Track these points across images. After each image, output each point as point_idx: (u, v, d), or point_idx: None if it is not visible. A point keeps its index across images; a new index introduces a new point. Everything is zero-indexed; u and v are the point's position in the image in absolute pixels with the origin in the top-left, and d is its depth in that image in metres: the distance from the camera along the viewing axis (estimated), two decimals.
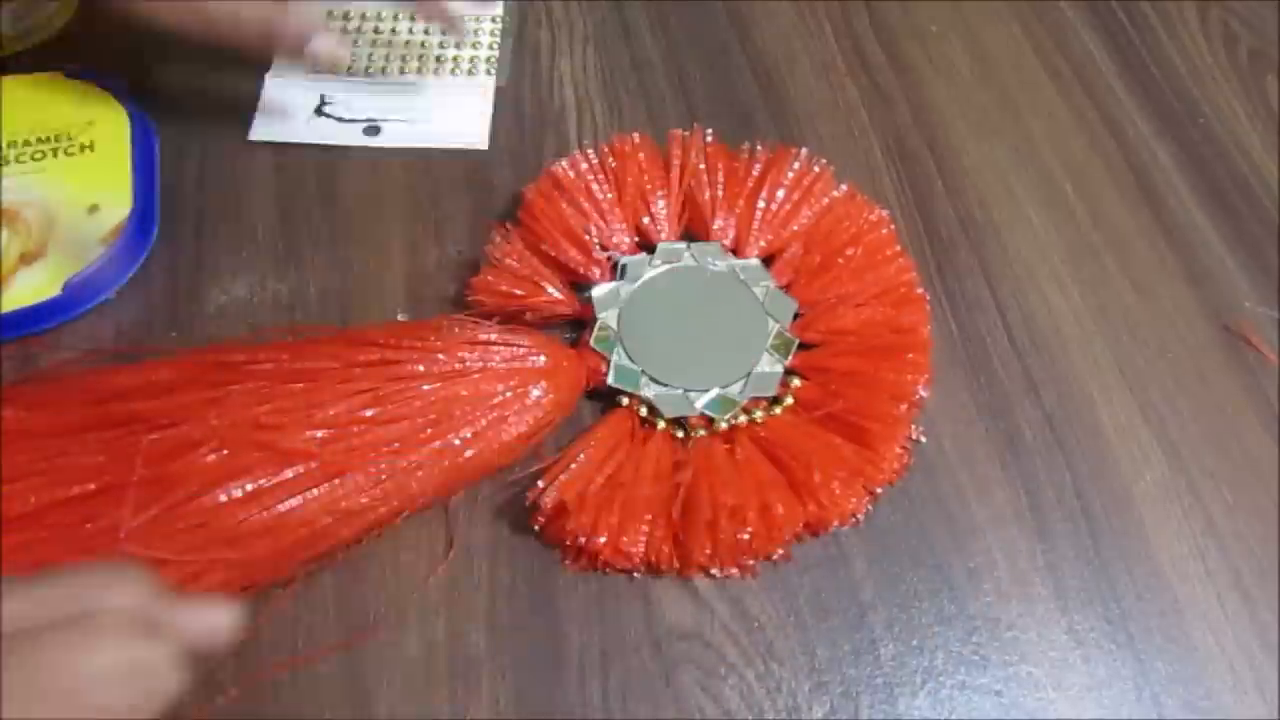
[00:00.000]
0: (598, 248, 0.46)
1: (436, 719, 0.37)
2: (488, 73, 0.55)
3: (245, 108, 0.54)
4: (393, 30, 0.56)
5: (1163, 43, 0.60)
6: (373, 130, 0.52)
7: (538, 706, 0.37)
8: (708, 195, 0.48)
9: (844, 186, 0.49)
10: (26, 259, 0.46)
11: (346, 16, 0.56)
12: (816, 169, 0.49)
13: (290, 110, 0.53)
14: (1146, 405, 0.46)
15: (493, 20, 0.57)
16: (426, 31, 0.57)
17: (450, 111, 0.54)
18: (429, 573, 0.40)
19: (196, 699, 0.37)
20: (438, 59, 0.56)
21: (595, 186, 0.47)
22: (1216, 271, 0.50)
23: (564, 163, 0.47)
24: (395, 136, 0.53)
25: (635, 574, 0.40)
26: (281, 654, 0.38)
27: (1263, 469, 0.44)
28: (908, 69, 0.57)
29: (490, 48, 0.57)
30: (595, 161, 0.48)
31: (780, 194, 0.48)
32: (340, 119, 0.53)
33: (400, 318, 0.46)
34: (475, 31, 0.57)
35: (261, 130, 0.52)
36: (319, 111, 0.53)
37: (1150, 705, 0.39)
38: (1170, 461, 0.44)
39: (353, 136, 0.52)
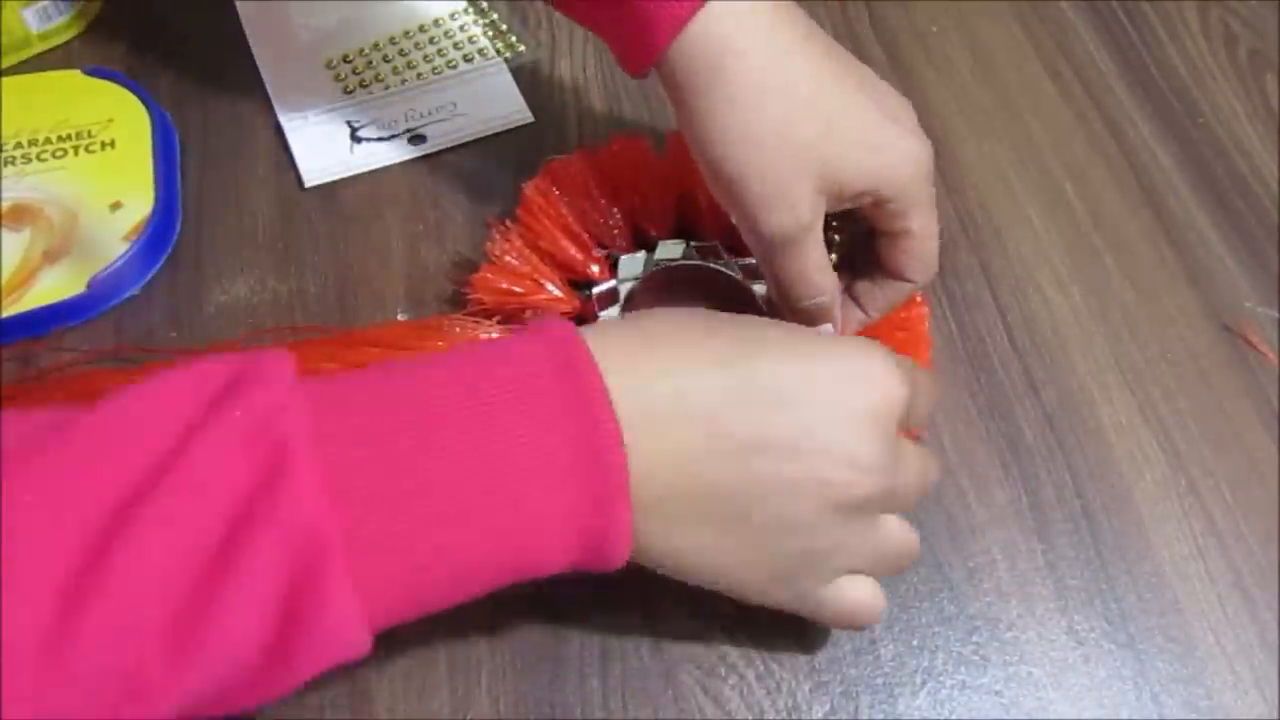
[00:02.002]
0: (596, 245, 0.46)
1: (436, 719, 0.37)
2: (496, 52, 0.56)
3: (248, 107, 0.54)
4: (399, 50, 0.56)
5: (1163, 43, 0.60)
6: (417, 139, 0.52)
7: (538, 706, 0.37)
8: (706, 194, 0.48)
9: None
10: (50, 257, 0.46)
11: (346, 58, 0.56)
12: None
13: (326, 147, 0.52)
14: (1146, 405, 0.46)
15: (466, 13, 0.58)
16: (431, 40, 0.57)
17: (481, 98, 0.54)
18: None
19: None
20: (440, 53, 0.56)
21: (593, 184, 0.47)
22: (1216, 271, 0.50)
23: (562, 161, 0.47)
24: (441, 138, 0.52)
25: (637, 573, 0.40)
26: None
27: (1263, 469, 0.44)
28: (908, 69, 0.57)
29: (487, 29, 0.57)
30: (594, 159, 0.48)
31: None
32: (380, 139, 0.52)
33: (400, 317, 0.46)
34: (463, 27, 0.57)
35: (313, 176, 0.51)
36: (356, 138, 0.52)
37: (1150, 705, 0.39)
38: (1170, 461, 0.44)
39: (402, 151, 0.52)
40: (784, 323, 0.38)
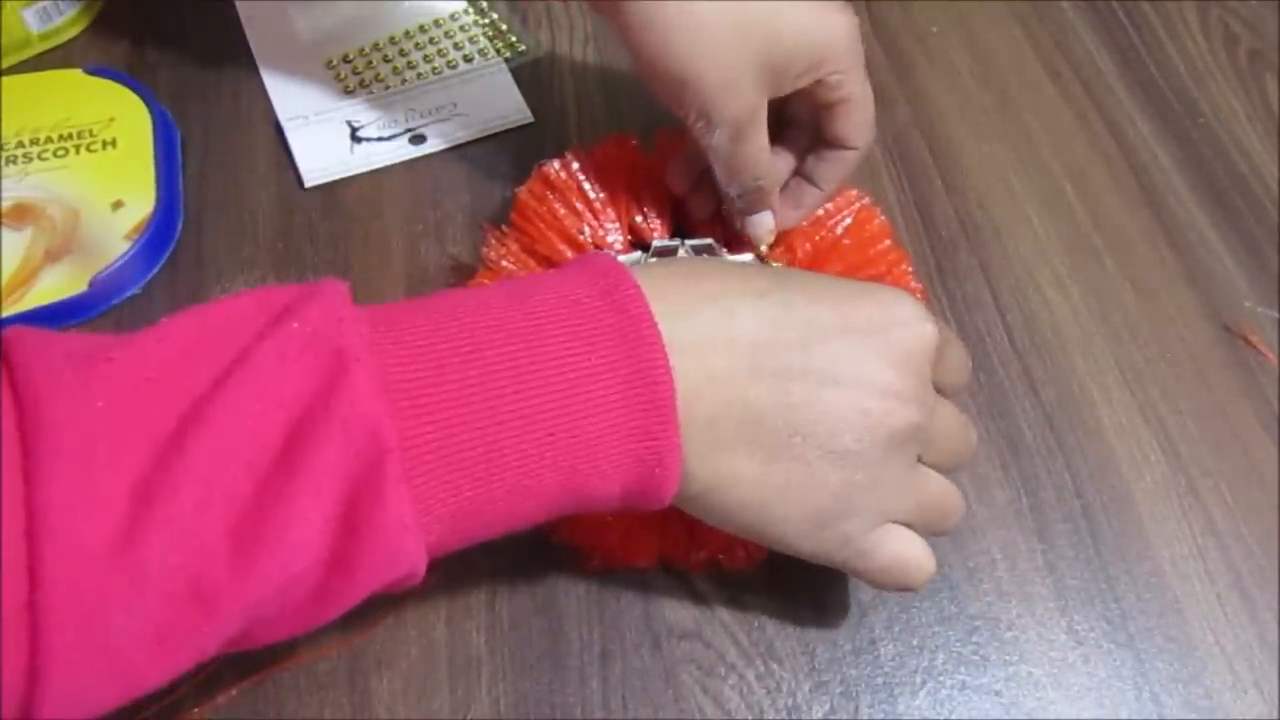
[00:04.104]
0: (592, 248, 0.46)
1: (436, 719, 0.37)
2: (496, 52, 0.56)
3: (248, 107, 0.54)
4: (399, 50, 0.56)
5: (1163, 43, 0.60)
6: (418, 139, 0.52)
7: (538, 706, 0.37)
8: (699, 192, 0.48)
9: None
10: (51, 256, 0.46)
11: (346, 58, 0.56)
12: None
13: (326, 147, 0.52)
14: (1146, 405, 0.46)
15: (466, 13, 0.58)
16: (431, 40, 0.57)
17: (481, 98, 0.54)
18: (429, 573, 0.40)
19: (197, 698, 0.37)
20: (440, 53, 0.56)
21: (587, 186, 0.46)
22: (1216, 271, 0.50)
23: (555, 163, 0.47)
24: (441, 138, 0.52)
25: (637, 573, 0.40)
26: (281, 654, 0.38)
27: (1263, 469, 0.44)
28: (908, 69, 0.58)
29: (487, 29, 0.57)
30: (587, 161, 0.47)
31: None
32: (380, 139, 0.52)
33: None
34: (463, 27, 0.57)
35: (313, 176, 0.51)
36: (356, 138, 0.52)
37: (1150, 705, 0.39)
38: (1170, 461, 0.44)
39: (402, 151, 0.52)
40: (815, 273, 0.40)
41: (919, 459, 0.35)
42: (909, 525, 0.35)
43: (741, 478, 0.33)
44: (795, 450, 0.33)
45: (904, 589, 0.36)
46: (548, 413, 0.30)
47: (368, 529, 0.28)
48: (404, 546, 0.28)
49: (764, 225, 0.45)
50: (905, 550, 0.35)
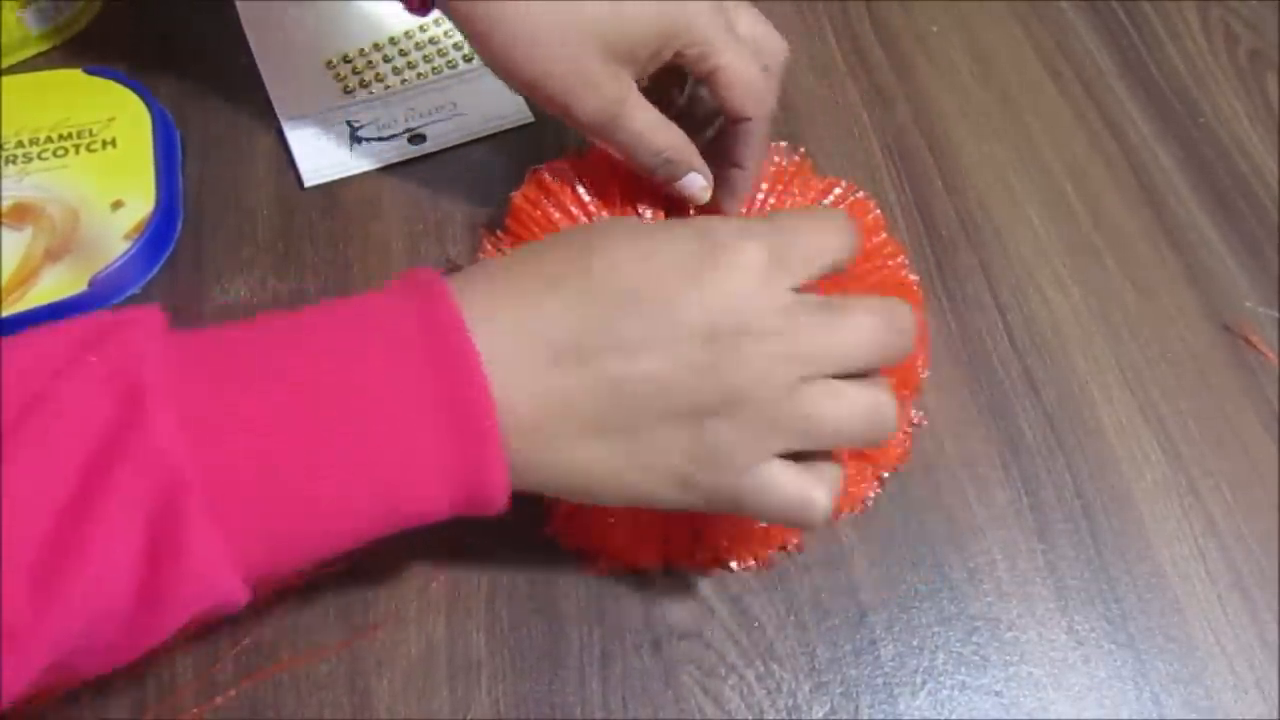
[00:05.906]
0: None
1: (436, 719, 0.37)
2: None
3: (248, 107, 0.54)
4: (399, 50, 0.56)
5: (1163, 43, 0.60)
6: (417, 139, 0.52)
7: (538, 706, 0.37)
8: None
9: (826, 176, 0.49)
10: (51, 256, 0.46)
11: (346, 58, 0.56)
12: (796, 159, 0.49)
13: (326, 147, 0.52)
14: (1146, 405, 0.46)
15: None
16: (431, 40, 0.57)
17: (481, 98, 0.54)
18: (429, 573, 0.40)
19: (197, 699, 0.37)
20: (440, 53, 0.56)
21: (581, 189, 0.46)
22: (1216, 271, 0.50)
23: (548, 167, 0.47)
24: (440, 138, 0.52)
25: (638, 573, 0.40)
26: (281, 654, 0.38)
27: (1263, 469, 0.44)
28: (908, 69, 0.57)
29: None
30: (580, 164, 0.47)
31: (765, 185, 0.48)
32: (380, 139, 0.52)
33: None
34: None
35: (313, 176, 0.51)
36: (356, 138, 0.52)
37: (1150, 705, 0.39)
38: (1170, 461, 0.44)
39: (402, 151, 0.52)
40: (631, 221, 0.40)
41: (832, 376, 0.33)
42: (811, 453, 0.34)
43: (586, 462, 0.32)
44: (632, 421, 0.32)
45: (804, 527, 0.35)
46: (355, 433, 0.30)
47: (171, 562, 0.28)
48: (211, 577, 0.29)
49: (694, 185, 0.44)
50: (784, 489, 0.33)
